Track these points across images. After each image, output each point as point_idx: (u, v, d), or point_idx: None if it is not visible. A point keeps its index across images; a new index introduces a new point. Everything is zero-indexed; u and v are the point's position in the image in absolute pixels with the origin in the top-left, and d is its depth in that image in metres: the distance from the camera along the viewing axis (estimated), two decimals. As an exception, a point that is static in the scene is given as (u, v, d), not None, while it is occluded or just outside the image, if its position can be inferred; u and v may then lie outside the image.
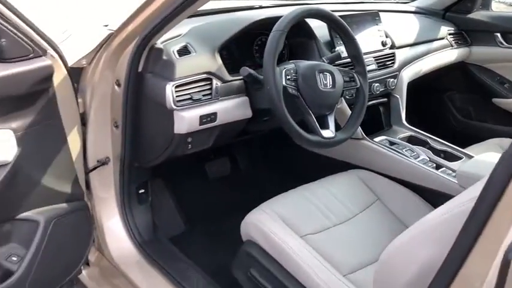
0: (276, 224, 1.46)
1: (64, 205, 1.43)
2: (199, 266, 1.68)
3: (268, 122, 1.67)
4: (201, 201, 2.05)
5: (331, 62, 1.63)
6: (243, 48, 1.71)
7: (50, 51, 1.26)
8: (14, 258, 1.30)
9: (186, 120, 1.44)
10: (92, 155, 1.63)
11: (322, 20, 1.62)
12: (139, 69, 1.49)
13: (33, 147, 1.29)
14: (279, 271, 1.40)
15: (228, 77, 1.54)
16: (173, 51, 1.49)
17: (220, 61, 1.53)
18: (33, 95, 1.26)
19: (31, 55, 1.21)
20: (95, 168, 1.63)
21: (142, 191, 1.77)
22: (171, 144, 1.52)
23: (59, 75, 1.31)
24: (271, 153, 2.20)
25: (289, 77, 1.45)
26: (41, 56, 1.23)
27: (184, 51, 1.50)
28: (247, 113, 1.58)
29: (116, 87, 1.54)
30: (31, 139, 1.28)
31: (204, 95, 1.48)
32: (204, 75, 1.49)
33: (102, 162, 1.65)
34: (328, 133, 1.51)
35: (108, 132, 1.63)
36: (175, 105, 1.42)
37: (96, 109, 1.59)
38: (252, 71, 1.49)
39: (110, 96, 1.57)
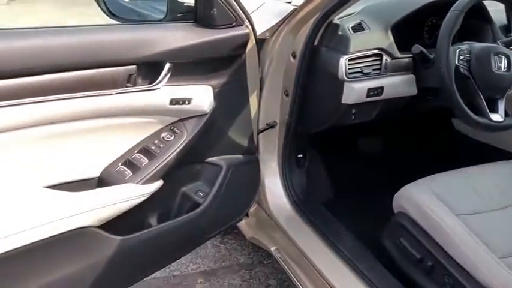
0: (431, 200, 1.51)
1: (241, 156, 1.65)
2: (348, 229, 1.79)
3: (431, 101, 1.71)
4: (351, 174, 2.16)
5: (507, 46, 1.61)
6: (413, 28, 1.77)
7: (246, 22, 1.46)
8: (201, 194, 1.55)
9: (355, 91, 1.56)
10: (263, 118, 1.83)
11: (502, 2, 1.60)
12: (315, 43, 1.65)
13: (225, 103, 1.51)
14: (429, 243, 1.46)
15: (398, 54, 1.62)
16: (348, 28, 1.61)
17: (391, 38, 1.62)
18: (230, 59, 1.48)
19: (234, 23, 1.43)
20: (264, 130, 1.84)
21: (301, 156, 1.94)
22: (337, 113, 1.66)
23: (250, 44, 1.52)
24: (425, 137, 2.22)
25: (462, 57, 1.48)
26: (241, 25, 1.44)
27: (358, 28, 1.62)
28: (412, 91, 1.65)
29: (291, 58, 1.71)
30: (224, 96, 1.50)
31: (373, 70, 1.58)
32: (375, 51, 1.59)
33: (270, 126, 1.84)
34: (497, 117, 1.51)
35: (278, 99, 1.82)
36: (346, 76, 1.54)
37: (271, 77, 1.78)
38: (423, 49, 1.55)
39: (285, 67, 1.74)
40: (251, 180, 1.71)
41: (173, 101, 1.36)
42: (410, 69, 1.65)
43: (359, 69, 1.57)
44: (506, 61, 1.51)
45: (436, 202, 1.50)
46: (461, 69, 1.48)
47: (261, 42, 1.74)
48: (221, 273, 2.20)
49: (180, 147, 1.40)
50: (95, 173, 1.33)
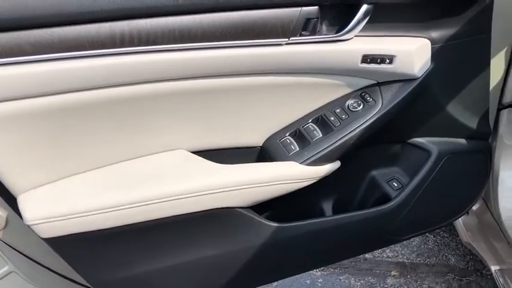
0: None
1: (463, 141, 1.17)
2: None
3: None
4: None
5: None
6: None
7: None
8: (395, 184, 1.17)
9: None
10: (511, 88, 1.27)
11: None
12: None
13: (449, 64, 1.05)
14: None
15: None
16: None
17: None
18: (466, 1, 0.99)
19: None
20: (510, 106, 1.28)
21: None
22: None
23: None
24: None
25: None
26: None
27: None
28: None
29: None
30: (449, 54, 1.04)
31: None
32: None
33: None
34: None
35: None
36: None
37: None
38: None
39: None
40: (474, 176, 1.22)
41: (367, 58, 0.99)
42: None
43: None
44: None
45: None
46: None
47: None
48: (422, 270, 1.79)
49: (370, 121, 1.03)
50: (258, 141, 1.08)
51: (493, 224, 1.40)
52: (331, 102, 1.06)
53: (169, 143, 1.02)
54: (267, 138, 1.08)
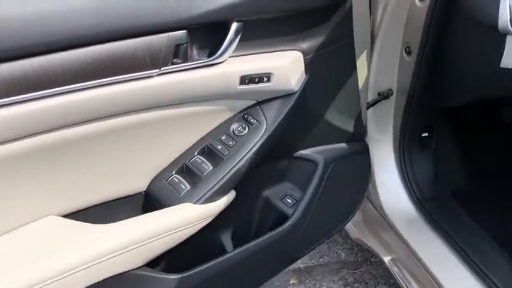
0: None
1: (344, 145, 1.19)
2: (488, 233, 1.30)
3: None
4: (494, 153, 1.60)
5: None
6: None
7: None
8: (289, 201, 1.13)
9: None
10: (373, 86, 1.34)
11: None
12: (457, -25, 1.09)
13: (322, 73, 1.05)
14: None
15: None
16: None
17: None
18: (329, 8, 0.99)
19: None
20: (375, 102, 1.35)
21: (426, 134, 1.42)
22: (490, 82, 1.11)
23: None
24: None
25: None
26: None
27: None
28: None
29: (417, 1, 1.17)
30: (320, 63, 1.04)
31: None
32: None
33: (384, 96, 1.35)
34: None
35: (396, 59, 1.30)
36: None
37: (385, 29, 1.27)
38: None
39: (407, 14, 1.21)
40: (359, 176, 1.25)
41: (245, 79, 0.93)
42: None
43: (530, 14, 0.99)
44: None
45: None
46: None
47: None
48: (318, 272, 1.81)
49: (259, 144, 0.98)
50: (141, 186, 0.95)
51: (378, 217, 1.46)
52: (214, 129, 0.98)
53: (36, 209, 0.83)
54: (152, 181, 0.96)
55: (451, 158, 1.52)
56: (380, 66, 1.31)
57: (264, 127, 0.98)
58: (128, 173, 0.92)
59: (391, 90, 1.36)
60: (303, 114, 1.06)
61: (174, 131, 0.93)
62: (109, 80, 0.78)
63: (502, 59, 1.04)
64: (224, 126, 0.98)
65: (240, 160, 0.96)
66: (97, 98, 0.78)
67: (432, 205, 1.39)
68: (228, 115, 0.99)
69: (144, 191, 0.96)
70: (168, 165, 0.96)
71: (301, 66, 1.00)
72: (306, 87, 1.03)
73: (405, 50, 1.27)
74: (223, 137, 0.97)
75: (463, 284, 1.20)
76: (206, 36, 0.87)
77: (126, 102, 0.82)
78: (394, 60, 1.31)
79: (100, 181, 0.88)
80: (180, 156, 0.97)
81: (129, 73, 0.79)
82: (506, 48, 1.03)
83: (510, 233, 1.33)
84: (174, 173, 0.96)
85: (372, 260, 1.83)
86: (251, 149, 0.97)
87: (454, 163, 1.52)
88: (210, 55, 0.88)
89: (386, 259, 1.45)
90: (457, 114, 1.48)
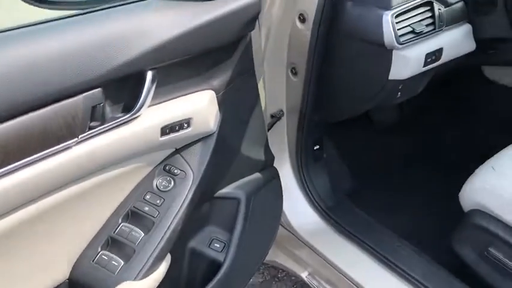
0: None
1: (259, 175, 1.17)
2: (390, 228, 1.41)
3: (491, 57, 1.29)
4: (371, 152, 1.75)
5: None
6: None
7: None
8: (217, 245, 1.06)
9: (410, 61, 1.10)
10: (266, 110, 1.34)
11: None
12: (335, -4, 1.15)
13: (232, 108, 1.01)
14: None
15: (451, -1, 1.17)
16: (380, -32, 1.12)
17: None
18: (234, 43, 0.96)
19: (234, -13, 0.89)
20: (272, 126, 1.35)
21: (317, 147, 1.48)
22: (378, 95, 1.19)
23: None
24: (452, 93, 1.81)
25: None
26: (245, -13, 0.91)
27: (392, -33, 1.12)
28: (471, 45, 1.21)
29: (299, 23, 1.21)
30: (230, 98, 1.00)
31: (426, 25, 1.12)
32: (424, -1, 1.13)
33: (277, 117, 1.36)
34: None
35: (283, 80, 1.33)
36: (397, 42, 1.07)
37: (270, 52, 1.28)
38: None
39: (289, 36, 1.24)
40: (275, 202, 1.24)
41: (166, 129, 0.84)
42: (465, 17, 1.20)
43: (410, 29, 1.09)
44: None
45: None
46: None
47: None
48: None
49: (190, 196, 0.89)
50: (63, 274, 0.79)
51: (288, 236, 1.47)
52: (135, 189, 0.87)
53: None
54: (75, 265, 0.80)
55: (340, 165, 1.61)
56: (269, 89, 1.32)
57: (191, 176, 0.90)
58: (44, 264, 0.76)
59: (281, 111, 1.37)
60: (222, 153, 1.00)
61: (93, 201, 0.80)
62: (19, 165, 0.62)
63: (390, 72, 1.13)
64: (146, 183, 0.87)
65: (173, 219, 0.86)
66: (4, 191, 0.62)
67: (336, 212, 1.44)
68: (147, 170, 0.88)
69: (68, 279, 0.80)
70: (91, 241, 0.82)
71: (215, 105, 0.95)
72: (222, 125, 0.98)
73: (291, 71, 1.30)
74: (148, 196, 0.87)
75: (383, 283, 1.27)
76: (121, 90, 0.76)
77: (39, 187, 0.67)
78: (281, 82, 1.33)
79: (16, 280, 0.71)
80: (103, 227, 0.83)
81: (43, 150, 0.65)
82: (393, 62, 1.12)
83: (407, 224, 1.45)
84: (100, 249, 0.82)
85: (279, 276, 1.84)
86: (183, 203, 0.88)
87: (343, 168, 1.61)
88: (128, 110, 0.77)
89: (304, 275, 1.46)
90: (339, 122, 1.57)
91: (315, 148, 1.48)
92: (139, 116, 0.78)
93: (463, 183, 1.19)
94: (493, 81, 1.67)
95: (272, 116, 1.37)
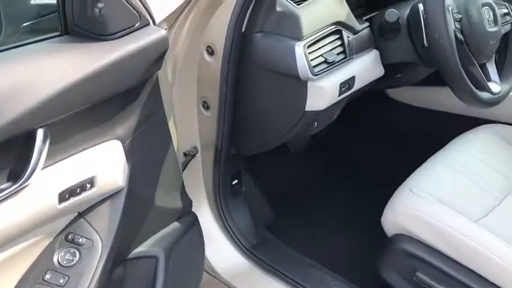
0: (441, 210, 1.15)
1: (177, 224, 1.06)
2: (316, 259, 1.38)
3: (399, 80, 1.31)
4: (288, 178, 1.71)
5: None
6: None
7: (154, 17, 0.84)
8: (136, 313, 0.94)
9: (325, 92, 1.07)
10: (178, 148, 1.24)
11: None
12: (243, 29, 1.09)
13: (142, 156, 0.90)
14: (460, 272, 1.11)
15: (358, 26, 1.17)
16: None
17: (347, 6, 1.15)
18: (139, 85, 0.85)
19: (137, 24, 0.78)
20: (186, 165, 1.25)
21: (236, 181, 1.41)
22: (296, 126, 1.15)
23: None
24: (361, 114, 1.83)
25: (454, 16, 1.09)
26: (148, 24, 0.81)
27: (300, -2, 1.10)
28: (381, 71, 1.23)
29: (207, 56, 1.14)
30: (139, 146, 0.89)
31: (337, 54, 1.10)
32: (333, 27, 1.11)
33: (192, 155, 1.27)
34: (495, 86, 1.17)
35: (194, 115, 1.24)
36: (312, 73, 1.03)
37: (178, 88, 1.19)
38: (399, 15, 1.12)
39: (197, 70, 1.16)
40: (197, 251, 1.14)
41: (65, 194, 0.70)
42: (372, 44, 1.21)
43: (322, 59, 1.07)
44: (491, 13, 1.16)
45: (447, 212, 1.15)
46: (456, 34, 1.08)
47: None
48: None
49: (101, 266, 0.76)
50: None
51: (212, 281, 1.38)
52: (31, 269, 0.72)
53: None
54: None
55: (259, 196, 1.54)
56: (180, 126, 1.22)
57: (99, 244, 0.77)
58: None
59: (195, 147, 1.28)
60: (134, 209, 0.89)
61: None
62: None
63: (307, 103, 1.09)
64: (44, 260, 0.73)
65: None
66: None
67: (260, 250, 1.37)
68: (45, 243, 0.74)
69: None
70: None
71: (122, 156, 0.83)
72: (131, 177, 0.86)
73: (203, 105, 1.22)
74: (48, 276, 0.72)
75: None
76: (6, 155, 0.62)
77: None
78: (193, 118, 1.24)
79: None
80: None
81: None
82: (308, 94, 1.08)
83: (333, 252, 1.42)
84: None
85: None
86: (92, 278, 0.74)
87: (263, 200, 1.55)
88: (17, 177, 0.63)
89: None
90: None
91: (233, 183, 1.40)
92: (29, 184, 0.65)
93: (380, 198, 1.18)
94: (395, 100, 1.73)
95: (185, 155, 1.27)
